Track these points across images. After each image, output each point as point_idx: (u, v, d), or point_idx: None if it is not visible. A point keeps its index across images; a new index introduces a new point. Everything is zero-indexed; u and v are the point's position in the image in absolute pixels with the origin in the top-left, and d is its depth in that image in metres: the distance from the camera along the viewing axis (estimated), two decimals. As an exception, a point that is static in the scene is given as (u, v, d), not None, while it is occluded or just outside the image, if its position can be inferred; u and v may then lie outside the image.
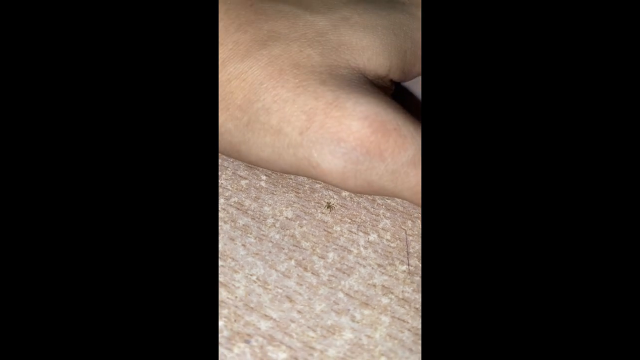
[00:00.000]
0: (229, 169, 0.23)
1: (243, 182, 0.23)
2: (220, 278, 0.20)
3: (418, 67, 0.23)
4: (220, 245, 0.21)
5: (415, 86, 0.26)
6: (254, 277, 0.21)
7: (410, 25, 0.22)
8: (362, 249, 0.21)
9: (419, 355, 0.19)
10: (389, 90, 0.23)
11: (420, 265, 0.21)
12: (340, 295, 0.20)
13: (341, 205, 0.23)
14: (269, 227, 0.22)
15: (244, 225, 0.22)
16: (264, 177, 0.23)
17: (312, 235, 0.22)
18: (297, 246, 0.21)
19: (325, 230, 0.22)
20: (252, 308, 0.20)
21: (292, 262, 0.21)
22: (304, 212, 0.22)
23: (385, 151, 0.19)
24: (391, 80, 0.23)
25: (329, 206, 0.23)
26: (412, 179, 0.20)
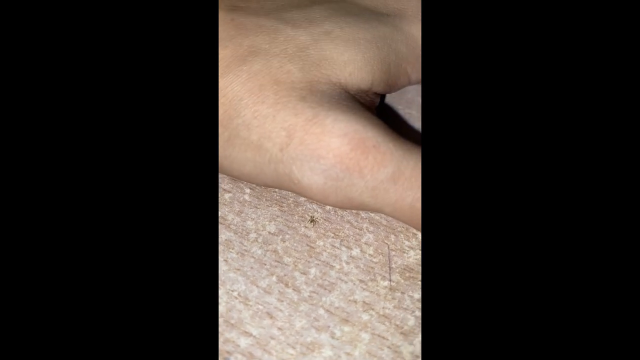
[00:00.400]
0: (213, 183, 0.24)
1: (227, 196, 0.24)
2: (201, 294, 0.21)
3: (403, 78, 0.24)
4: (202, 261, 0.22)
5: (400, 98, 0.26)
6: (235, 293, 0.21)
7: (394, 38, 0.23)
8: (344, 264, 0.22)
9: (398, 373, 0.19)
10: (373, 104, 0.23)
11: (402, 281, 0.21)
12: (321, 311, 0.21)
13: (325, 219, 0.23)
14: (252, 242, 0.22)
15: (226, 240, 0.22)
16: (247, 190, 0.24)
17: (295, 250, 0.22)
18: (279, 262, 0.22)
19: (308, 245, 0.22)
20: (232, 325, 0.20)
21: (274, 278, 0.22)
22: (287, 227, 0.23)
23: (365, 168, 0.20)
24: (375, 93, 0.23)
25: (312, 220, 0.23)
26: (391, 195, 0.20)
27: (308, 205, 0.23)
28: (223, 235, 0.22)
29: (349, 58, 0.22)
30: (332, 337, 0.20)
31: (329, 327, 0.20)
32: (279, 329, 0.20)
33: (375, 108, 0.23)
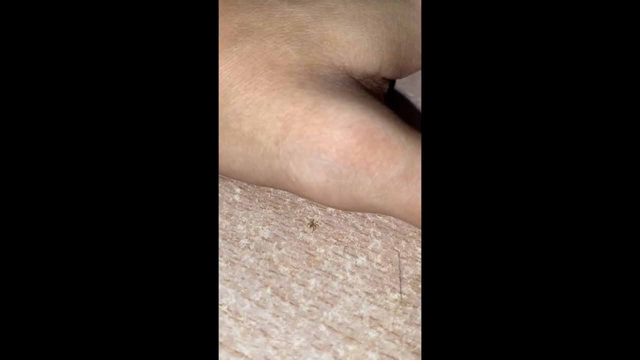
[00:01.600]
0: (198, 181, 0.24)
1: (214, 196, 0.24)
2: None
3: (415, 61, 0.23)
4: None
5: (412, 84, 0.26)
6: (224, 308, 0.21)
7: (406, 15, 0.23)
8: (348, 274, 0.22)
9: (410, 399, 0.19)
10: (381, 91, 0.23)
11: (415, 293, 0.21)
12: (322, 328, 0.21)
13: (326, 223, 0.23)
14: (243, 249, 0.22)
15: (213, 246, 0.22)
16: (238, 190, 0.24)
17: (292, 258, 0.22)
18: (274, 271, 0.22)
19: (307, 252, 0.22)
20: (221, 343, 0.20)
21: (268, 290, 0.21)
22: (283, 232, 0.23)
23: (373, 164, 0.20)
24: (383, 79, 0.23)
25: (312, 224, 0.23)
26: (403, 195, 0.20)
27: (307, 207, 0.23)
28: (210, 241, 0.22)
29: (354, 38, 0.21)
30: (335, 358, 0.20)
31: (331, 345, 0.20)
32: (275, 348, 0.20)
33: (383, 96, 0.23)
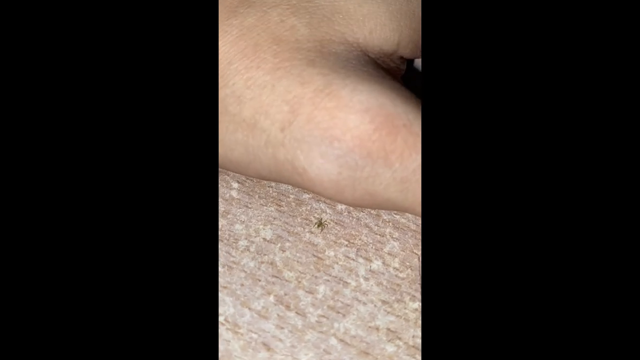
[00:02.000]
0: (191, 174, 0.23)
1: (209, 192, 0.23)
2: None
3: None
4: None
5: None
6: (221, 318, 0.21)
7: (426, -14, 0.22)
8: (362, 280, 0.21)
9: None
10: (399, 72, 0.23)
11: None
12: (333, 341, 0.20)
13: (336, 223, 0.23)
14: (242, 251, 0.22)
15: (208, 248, 0.21)
16: (235, 185, 0.23)
17: (298, 262, 0.22)
18: (277, 277, 0.21)
19: (314, 255, 0.22)
20: (218, 358, 0.20)
21: (271, 298, 0.21)
22: (288, 232, 0.22)
23: (392, 154, 0.19)
24: (401, 58, 0.22)
25: (320, 224, 0.23)
26: (427, 189, 0.19)
27: (314, 205, 0.23)
28: (204, 242, 0.22)
29: (369, 11, 0.21)
30: (349, 376, 0.20)
31: (344, 362, 0.19)
32: (279, 365, 0.20)
33: (401, 77, 0.23)
